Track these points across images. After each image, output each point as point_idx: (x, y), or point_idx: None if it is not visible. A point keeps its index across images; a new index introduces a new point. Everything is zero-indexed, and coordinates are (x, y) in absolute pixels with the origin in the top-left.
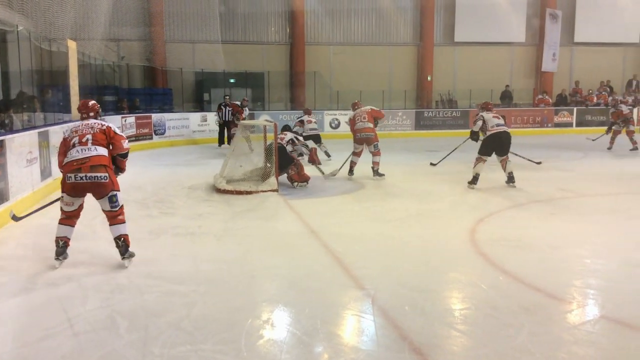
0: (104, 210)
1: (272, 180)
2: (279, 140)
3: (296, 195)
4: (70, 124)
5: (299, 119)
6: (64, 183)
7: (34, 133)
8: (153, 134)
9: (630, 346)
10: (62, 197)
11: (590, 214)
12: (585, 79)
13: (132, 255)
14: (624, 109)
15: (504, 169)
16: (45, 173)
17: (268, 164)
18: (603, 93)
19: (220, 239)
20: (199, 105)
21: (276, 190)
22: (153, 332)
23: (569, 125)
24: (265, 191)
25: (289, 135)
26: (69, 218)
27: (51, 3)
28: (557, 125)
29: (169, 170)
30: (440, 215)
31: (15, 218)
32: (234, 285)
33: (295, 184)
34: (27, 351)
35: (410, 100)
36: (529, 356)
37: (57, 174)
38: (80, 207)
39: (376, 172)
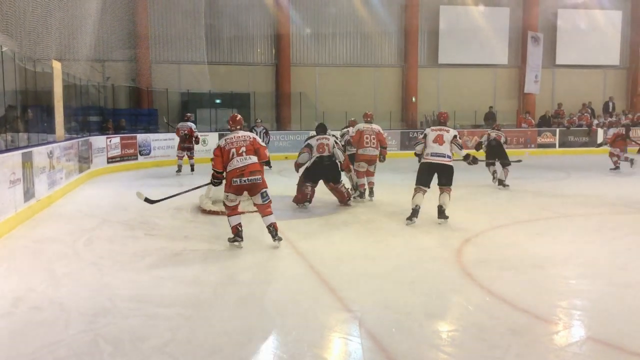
0: (256, 204)
1: None
2: (327, 152)
3: (282, 216)
4: (57, 144)
5: (347, 128)
6: (229, 185)
7: (17, 154)
8: (138, 154)
9: None
10: (227, 195)
11: (575, 234)
12: (567, 101)
13: (280, 239)
14: None
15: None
16: (28, 194)
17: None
18: (585, 114)
19: (206, 260)
20: None
21: None
22: (137, 357)
23: (552, 146)
24: (252, 212)
25: (331, 140)
26: (234, 210)
27: (36, 24)
28: (540, 146)
29: (154, 191)
30: (426, 236)
31: (148, 200)
32: (219, 308)
33: (350, 201)
34: None
35: (396, 120)
36: None
37: (40, 195)
38: (239, 202)
39: (371, 192)
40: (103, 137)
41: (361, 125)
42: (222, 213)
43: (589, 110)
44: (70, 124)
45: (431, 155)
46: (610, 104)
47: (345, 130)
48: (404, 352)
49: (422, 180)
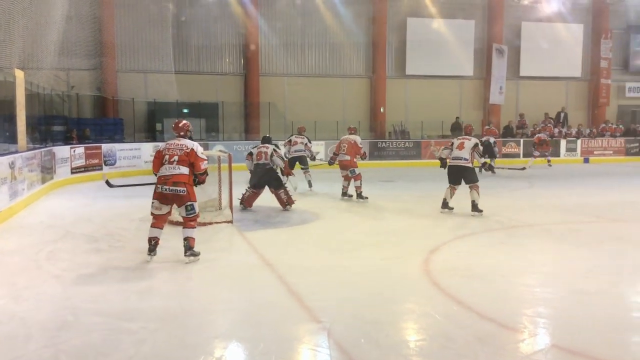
0: (181, 215)
1: (227, 211)
2: (264, 160)
3: (251, 227)
4: (19, 154)
5: (289, 138)
6: (154, 191)
7: None
8: (103, 164)
9: None
10: (153, 202)
11: (539, 242)
12: (531, 111)
13: (194, 254)
14: None
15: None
16: None
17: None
18: (548, 125)
19: (172, 272)
20: (151, 135)
21: (231, 222)
22: None
23: (516, 155)
24: (220, 222)
25: (270, 149)
26: (158, 221)
27: None
28: (505, 156)
29: (119, 202)
30: (394, 246)
31: (109, 184)
32: (185, 321)
33: (288, 206)
34: None
35: (364, 130)
36: None
37: (1, 206)
38: (168, 213)
39: (359, 196)
40: (67, 147)
41: (343, 137)
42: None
43: (552, 121)
44: (33, 133)
45: (453, 159)
46: (562, 115)
47: (291, 137)
48: None
49: (452, 180)
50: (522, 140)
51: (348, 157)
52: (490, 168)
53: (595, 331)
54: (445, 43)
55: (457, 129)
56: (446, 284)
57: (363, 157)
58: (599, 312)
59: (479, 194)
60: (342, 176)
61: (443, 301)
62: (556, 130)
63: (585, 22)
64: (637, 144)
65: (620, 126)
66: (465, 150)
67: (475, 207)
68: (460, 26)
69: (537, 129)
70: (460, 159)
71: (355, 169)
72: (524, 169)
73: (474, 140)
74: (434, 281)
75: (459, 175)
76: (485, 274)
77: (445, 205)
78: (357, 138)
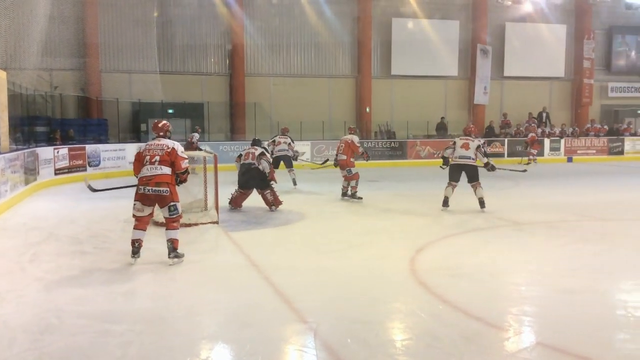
0: (164, 217)
1: (213, 212)
2: (250, 160)
3: (237, 227)
4: (2, 155)
5: (272, 139)
6: (136, 193)
7: None
8: (87, 165)
9: None
10: (134, 204)
11: (524, 242)
12: (515, 111)
13: (177, 256)
14: None
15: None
16: None
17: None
18: (532, 125)
19: (158, 274)
20: (136, 135)
21: (216, 223)
22: None
23: (501, 155)
24: (205, 223)
25: (259, 150)
26: (141, 223)
27: None
28: (489, 155)
29: (103, 203)
30: (381, 245)
31: (91, 188)
32: (171, 322)
33: (273, 207)
34: None
35: None
36: None
37: None
38: (150, 215)
39: (353, 195)
40: (50, 148)
41: (343, 137)
42: None
43: (535, 121)
44: (15, 134)
45: (458, 158)
46: (544, 115)
47: (275, 137)
48: None
49: (453, 177)
50: (506, 140)
51: (344, 157)
52: (493, 168)
53: (581, 329)
54: (430, 43)
55: (442, 128)
56: (434, 283)
57: (365, 157)
58: (584, 310)
59: (482, 189)
60: (342, 176)
61: (429, 300)
62: (539, 130)
63: (568, 22)
64: (620, 144)
65: (605, 126)
66: (470, 150)
67: (482, 204)
68: (444, 26)
69: (521, 128)
70: (468, 158)
71: (352, 169)
72: (525, 170)
73: (477, 141)
74: (422, 280)
75: (460, 171)
76: (471, 273)
77: (446, 203)
78: (354, 137)
